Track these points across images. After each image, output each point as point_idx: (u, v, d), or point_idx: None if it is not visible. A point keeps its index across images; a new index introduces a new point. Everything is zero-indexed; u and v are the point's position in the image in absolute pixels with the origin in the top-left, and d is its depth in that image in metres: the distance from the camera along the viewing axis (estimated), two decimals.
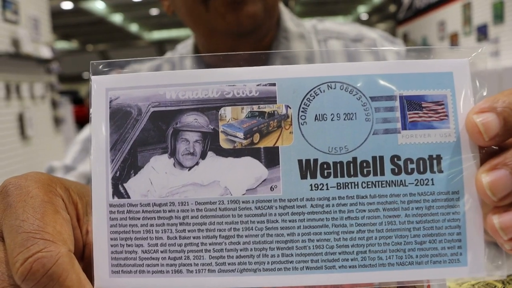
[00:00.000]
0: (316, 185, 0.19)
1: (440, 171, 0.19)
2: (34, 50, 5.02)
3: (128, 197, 0.19)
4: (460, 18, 8.18)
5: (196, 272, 0.19)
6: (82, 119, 15.92)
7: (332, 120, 0.19)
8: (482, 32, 7.52)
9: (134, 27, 18.16)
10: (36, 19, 5.15)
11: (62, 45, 18.81)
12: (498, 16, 7.07)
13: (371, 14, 19.07)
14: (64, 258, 0.18)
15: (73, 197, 0.23)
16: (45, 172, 0.54)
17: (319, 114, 0.19)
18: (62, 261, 0.18)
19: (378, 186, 0.18)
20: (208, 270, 0.19)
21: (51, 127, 5.46)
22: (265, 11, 0.56)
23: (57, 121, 5.62)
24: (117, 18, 16.03)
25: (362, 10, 18.24)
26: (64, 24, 14.19)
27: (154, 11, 15.06)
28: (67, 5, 12.44)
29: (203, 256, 0.19)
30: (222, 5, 0.54)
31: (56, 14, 5.82)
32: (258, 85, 0.19)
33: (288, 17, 0.67)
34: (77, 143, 0.65)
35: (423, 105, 0.19)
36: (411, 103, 0.19)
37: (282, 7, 0.67)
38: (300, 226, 0.18)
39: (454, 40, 8.55)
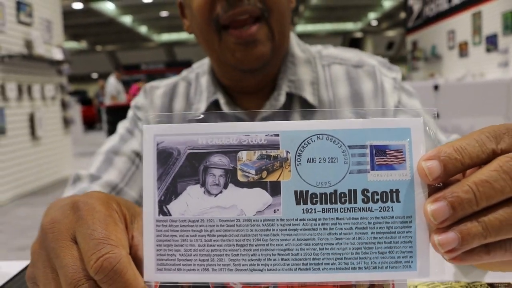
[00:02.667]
0: (307, 209, 0.26)
1: (398, 201, 0.25)
2: (46, 51, 5.11)
3: (170, 215, 0.26)
4: (470, 27, 8.13)
5: (218, 271, 0.26)
6: (89, 120, 15.80)
7: (319, 162, 0.26)
8: (492, 42, 7.49)
9: (143, 29, 18.20)
10: (49, 21, 5.24)
11: (72, 45, 18.89)
12: (508, 26, 7.01)
13: (381, 20, 18.95)
14: (124, 258, 0.26)
15: (123, 210, 0.30)
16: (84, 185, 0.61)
17: (310, 158, 0.26)
18: (123, 260, 0.26)
19: (352, 211, 0.25)
20: (227, 269, 0.26)
21: (60, 128, 5.55)
22: (272, 51, 0.63)
23: (66, 122, 5.71)
24: (127, 20, 16.07)
25: (372, 17, 18.10)
26: (74, 24, 14.26)
27: (164, 13, 15.06)
28: (78, 5, 12.51)
29: (224, 259, 0.26)
30: (233, 42, 0.60)
31: (67, 14, 5.90)
32: (266, 135, 0.26)
33: (295, 43, 0.74)
34: (101, 154, 0.72)
35: (387, 152, 0.26)
36: (378, 151, 0.26)
37: (291, 35, 0.74)
38: (294, 238, 0.25)
39: (463, 49, 8.51)
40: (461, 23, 8.50)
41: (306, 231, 0.25)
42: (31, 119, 4.87)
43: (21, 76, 4.74)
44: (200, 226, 0.26)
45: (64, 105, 5.65)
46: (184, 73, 0.80)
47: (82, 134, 11.39)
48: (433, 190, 0.26)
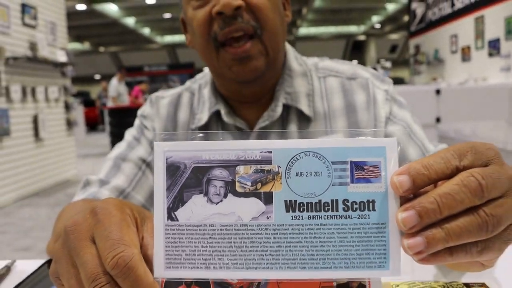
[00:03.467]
0: (295, 216, 0.30)
1: (374, 210, 0.30)
2: (50, 53, 5.16)
3: (177, 220, 0.30)
4: (473, 31, 8.13)
5: (219, 268, 0.30)
6: (92, 121, 15.75)
7: (306, 176, 0.30)
8: (494, 47, 7.50)
9: (146, 30, 18.22)
10: (53, 24, 5.29)
11: (75, 46, 18.93)
12: (511, 31, 7.01)
13: (385, 23, 18.90)
14: (136, 257, 0.30)
15: (135, 215, 0.35)
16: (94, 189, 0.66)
17: (299, 172, 0.30)
18: (135, 258, 0.30)
19: (334, 218, 0.29)
20: (226, 267, 0.30)
21: (63, 130, 5.59)
22: (266, 65, 0.67)
23: (70, 124, 5.75)
24: (130, 21, 16.09)
25: (376, 20, 18.06)
26: (77, 25, 14.29)
27: (166, 15, 15.07)
28: (81, 7, 12.54)
29: (223, 258, 0.30)
30: (230, 59, 0.65)
31: (70, 15, 5.95)
32: (260, 152, 0.30)
33: (292, 57, 0.78)
34: (110, 159, 0.76)
35: (364, 168, 0.30)
36: (357, 166, 0.30)
37: (288, 48, 0.78)
38: (284, 241, 0.30)
39: (466, 53, 8.52)
40: (464, 27, 8.52)
41: (294, 235, 0.30)
42: (35, 121, 4.92)
43: (25, 78, 4.79)
44: (203, 230, 0.30)
45: (68, 107, 5.70)
46: (188, 83, 0.84)
47: (84, 135, 11.45)
48: (404, 200, 0.30)
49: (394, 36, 21.91)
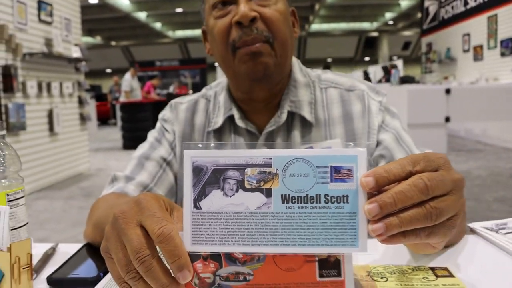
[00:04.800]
0: (288, 206, 0.40)
1: (347, 202, 0.39)
2: (65, 49, 5.29)
3: (201, 209, 0.41)
4: (485, 31, 8.07)
5: (231, 244, 0.40)
6: (103, 115, 15.79)
7: (297, 176, 0.40)
8: (507, 47, 7.45)
9: (158, 25, 18.26)
10: (68, 20, 5.42)
11: (86, 40, 19.06)
12: None
13: (398, 20, 18.67)
14: (175, 230, 0.40)
15: (166, 205, 0.45)
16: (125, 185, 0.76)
17: (292, 173, 0.40)
18: (175, 231, 0.40)
19: (317, 208, 0.40)
20: (237, 244, 0.40)
21: (77, 124, 5.74)
22: (275, 65, 0.77)
23: (83, 118, 5.90)
24: (141, 15, 16.12)
25: (389, 17, 17.86)
26: (89, 19, 14.36)
27: (178, 10, 15.06)
28: (93, 0, 12.61)
29: (235, 237, 0.40)
30: (244, 54, 0.75)
31: (82, 8, 6.06)
32: (263, 158, 0.40)
33: (297, 69, 0.88)
34: (134, 158, 0.87)
35: (341, 171, 0.40)
36: (335, 170, 0.40)
37: (294, 61, 0.88)
38: (280, 225, 0.40)
39: (478, 52, 8.47)
40: (477, 26, 8.47)
41: (288, 220, 0.40)
42: (50, 115, 5.07)
43: (41, 73, 4.93)
44: (220, 216, 0.40)
45: (81, 102, 5.85)
46: (204, 91, 0.94)
47: (96, 129, 11.63)
48: (370, 196, 0.40)
49: (407, 33, 21.71)
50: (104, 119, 15.39)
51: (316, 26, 20.57)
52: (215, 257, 0.42)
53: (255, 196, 0.40)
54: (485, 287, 0.51)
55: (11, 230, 0.52)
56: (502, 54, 7.60)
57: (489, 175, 4.73)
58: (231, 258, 0.42)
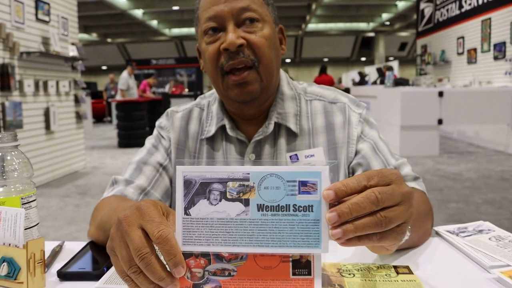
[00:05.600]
0: (263, 214, 0.48)
1: (312, 211, 0.47)
2: (62, 48, 5.33)
3: (190, 215, 0.48)
4: (479, 34, 8.17)
5: (215, 245, 0.48)
6: (99, 113, 15.67)
7: (270, 189, 0.48)
8: (500, 50, 7.55)
9: (154, 22, 18.23)
10: (65, 19, 5.46)
11: (82, 37, 18.99)
12: None
13: (394, 21, 18.73)
14: (172, 233, 0.48)
15: (162, 210, 0.52)
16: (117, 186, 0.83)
17: (265, 186, 0.48)
18: (171, 234, 0.48)
19: (287, 216, 0.47)
20: (220, 244, 0.48)
21: (73, 122, 5.79)
22: (261, 89, 0.85)
23: (79, 117, 5.94)
24: (137, 13, 16.07)
25: (386, 17, 17.92)
26: (85, 15, 14.31)
27: (175, 7, 15.01)
28: None
29: (218, 239, 0.48)
30: (232, 83, 0.83)
31: (78, 5, 6.09)
32: (242, 173, 0.48)
33: (285, 83, 0.95)
34: (133, 163, 0.94)
35: (307, 184, 0.47)
36: (302, 183, 0.47)
37: (282, 75, 0.95)
38: (256, 229, 0.48)
39: (471, 55, 8.56)
40: (471, 29, 8.57)
41: (262, 226, 0.48)
42: (46, 114, 5.12)
43: (38, 72, 4.97)
44: (206, 221, 0.48)
45: (77, 101, 5.90)
46: (198, 100, 1.02)
47: (92, 127, 11.66)
48: (331, 206, 0.47)
49: (404, 34, 21.80)
50: (99, 117, 15.37)
51: (312, 26, 20.63)
52: (205, 255, 0.49)
53: (235, 205, 0.48)
54: (439, 283, 0.59)
55: (25, 229, 0.60)
56: (495, 58, 7.71)
57: (479, 178, 4.83)
58: (218, 256, 0.49)
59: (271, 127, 0.90)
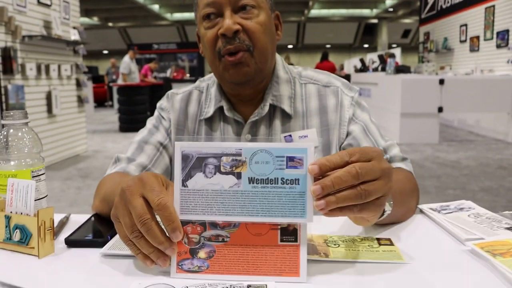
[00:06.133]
0: (253, 186, 0.52)
1: (298, 184, 0.52)
2: (64, 32, 5.34)
3: (187, 187, 0.53)
4: (483, 22, 8.10)
5: (210, 214, 0.53)
6: (100, 97, 15.59)
7: (261, 163, 0.52)
8: (503, 38, 7.49)
9: (155, 7, 18.07)
10: (66, 2, 5.45)
11: (83, 20, 18.86)
12: None
13: (398, 7, 18.50)
14: (170, 201, 0.53)
15: (162, 181, 0.57)
16: (122, 162, 0.88)
17: (256, 161, 0.52)
18: (170, 202, 0.52)
19: (276, 188, 0.52)
20: (214, 214, 0.53)
21: (75, 106, 5.82)
22: (255, 71, 0.89)
23: (81, 101, 5.97)
24: None
25: (389, 4, 17.69)
26: None
27: None
28: None
29: (212, 209, 0.53)
30: (228, 63, 0.87)
31: None
32: (235, 149, 0.52)
33: (281, 67, 0.99)
34: (134, 142, 0.99)
35: (294, 160, 0.52)
36: (290, 159, 0.52)
37: (278, 59, 0.99)
38: (247, 200, 0.52)
39: (474, 43, 8.51)
40: (474, 17, 8.51)
41: (253, 197, 0.52)
42: (48, 97, 5.15)
43: (40, 55, 4.99)
44: (201, 193, 0.53)
45: (79, 84, 5.92)
46: (197, 83, 1.06)
47: (93, 111, 11.69)
48: (316, 179, 0.52)
49: (407, 21, 21.57)
50: (100, 101, 15.36)
51: (315, 12, 20.44)
52: (201, 222, 0.54)
53: (228, 178, 0.53)
54: (417, 254, 0.63)
55: (35, 200, 0.65)
56: (498, 46, 7.67)
57: (477, 166, 4.87)
58: (213, 224, 0.54)
59: (266, 108, 0.94)
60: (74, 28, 5.71)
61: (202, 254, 0.54)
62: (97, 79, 15.34)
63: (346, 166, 0.52)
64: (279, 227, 0.54)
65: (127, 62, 8.50)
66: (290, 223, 0.53)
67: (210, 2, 0.86)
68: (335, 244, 0.65)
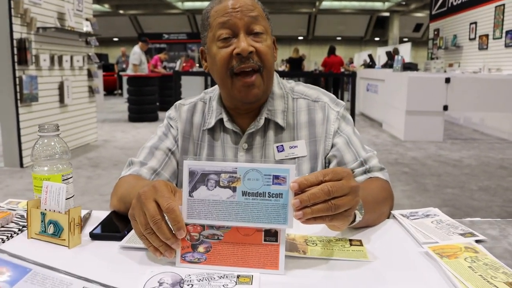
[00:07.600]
0: (246, 198, 0.65)
1: (282, 198, 0.65)
2: (77, 24, 5.46)
3: (193, 197, 0.66)
4: (492, 20, 8.06)
5: (210, 219, 0.66)
6: (110, 86, 15.59)
7: (252, 180, 0.65)
8: (511, 38, 7.45)
9: None
10: None
11: (94, 7, 18.90)
12: None
13: (409, 1, 18.30)
14: (177, 206, 0.66)
15: (171, 188, 0.70)
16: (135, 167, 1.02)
17: (248, 178, 0.65)
18: (177, 207, 0.66)
19: (264, 200, 0.65)
20: (214, 219, 0.66)
21: (86, 96, 5.97)
22: (263, 92, 1.01)
23: (92, 91, 6.12)
24: None
25: None
26: None
27: None
28: None
29: (213, 215, 0.66)
30: (240, 85, 0.99)
31: None
32: (232, 168, 0.65)
33: (276, 83, 1.11)
34: (146, 148, 1.12)
35: (279, 178, 0.65)
36: (275, 177, 0.65)
37: (274, 76, 1.11)
38: (240, 209, 0.66)
39: (483, 41, 8.49)
40: (484, 15, 8.48)
41: (245, 206, 0.65)
42: (61, 87, 5.30)
43: (53, 47, 5.12)
44: (204, 202, 0.66)
45: (90, 75, 6.07)
46: (202, 94, 1.18)
47: (103, 100, 11.86)
48: (296, 194, 0.65)
49: (419, 14, 21.34)
50: (110, 89, 15.48)
51: (327, 3, 20.33)
52: (201, 225, 0.68)
53: (226, 191, 0.66)
54: (381, 253, 0.76)
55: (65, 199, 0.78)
56: (507, 45, 7.66)
57: (478, 165, 4.92)
58: (210, 225, 0.68)
59: (262, 121, 1.06)
60: (87, 19, 5.83)
61: (201, 248, 0.68)
62: (107, 67, 15.42)
63: (320, 184, 0.64)
64: (263, 230, 0.67)
65: (138, 53, 8.57)
66: (275, 228, 0.66)
67: (228, 25, 0.97)
68: (313, 243, 0.78)
